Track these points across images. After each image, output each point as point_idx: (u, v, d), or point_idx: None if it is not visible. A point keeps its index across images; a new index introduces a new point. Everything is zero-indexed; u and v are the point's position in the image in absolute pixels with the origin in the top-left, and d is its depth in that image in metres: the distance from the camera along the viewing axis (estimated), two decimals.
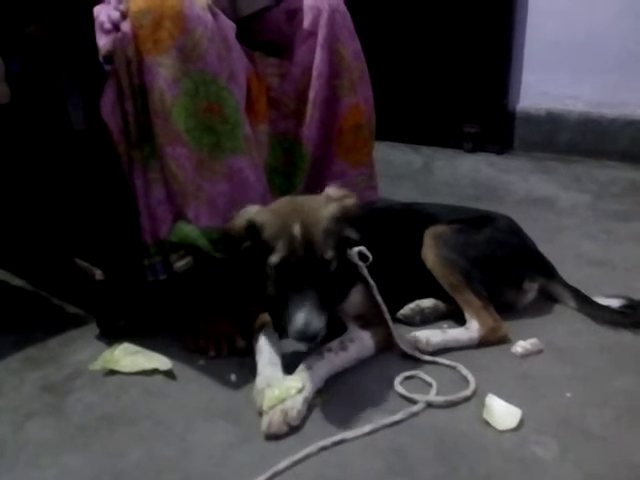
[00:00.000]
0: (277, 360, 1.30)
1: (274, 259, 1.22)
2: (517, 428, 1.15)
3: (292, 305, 1.19)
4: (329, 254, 1.23)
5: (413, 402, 1.22)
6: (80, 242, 1.64)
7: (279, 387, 1.20)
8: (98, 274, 1.61)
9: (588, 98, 2.89)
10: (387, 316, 1.36)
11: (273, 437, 1.14)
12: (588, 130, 2.89)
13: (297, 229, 1.20)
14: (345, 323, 1.38)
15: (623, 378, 1.29)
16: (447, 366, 1.33)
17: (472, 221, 1.55)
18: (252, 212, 1.29)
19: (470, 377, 1.28)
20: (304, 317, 1.16)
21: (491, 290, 1.45)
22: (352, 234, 1.30)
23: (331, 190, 1.34)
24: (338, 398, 1.24)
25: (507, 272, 1.49)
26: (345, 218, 1.28)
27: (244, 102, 1.45)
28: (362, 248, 1.32)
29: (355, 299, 1.38)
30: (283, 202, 1.32)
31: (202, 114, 1.34)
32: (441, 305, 1.52)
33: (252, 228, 1.26)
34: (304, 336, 1.17)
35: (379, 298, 1.35)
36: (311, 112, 1.64)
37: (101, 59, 1.30)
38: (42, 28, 1.40)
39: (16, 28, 1.40)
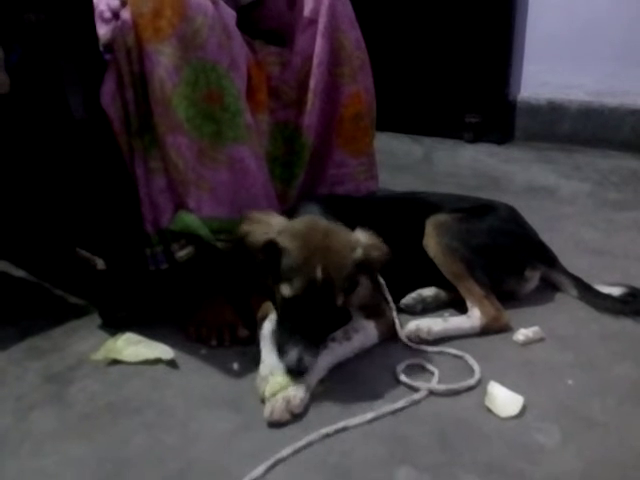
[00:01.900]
0: None
1: (286, 292, 1.20)
2: (519, 415, 1.15)
3: (290, 337, 1.20)
4: (340, 301, 1.22)
5: (415, 390, 1.23)
6: (81, 232, 1.64)
7: (282, 374, 1.20)
8: (100, 264, 1.61)
9: (589, 87, 2.88)
10: (395, 313, 1.36)
11: (276, 425, 1.14)
12: (589, 119, 2.89)
13: (320, 273, 1.18)
14: (350, 312, 1.38)
15: (624, 365, 1.30)
16: (454, 355, 1.33)
17: (474, 210, 1.55)
18: (275, 229, 1.24)
19: (476, 367, 1.28)
20: (297, 354, 1.17)
21: (493, 278, 1.45)
22: (364, 281, 1.30)
23: (362, 234, 1.28)
24: (341, 386, 1.24)
25: (509, 260, 1.49)
26: (365, 266, 1.26)
27: (245, 91, 1.45)
28: None
29: (361, 291, 1.37)
30: (311, 228, 1.25)
31: (202, 102, 1.34)
32: (443, 294, 1.52)
33: (272, 248, 1.22)
34: (294, 371, 1.18)
35: (389, 296, 1.36)
36: (312, 101, 1.64)
37: (101, 48, 1.30)
38: (42, 17, 1.40)
39: (16, 17, 1.40)
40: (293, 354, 1.17)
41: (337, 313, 1.25)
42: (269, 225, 1.26)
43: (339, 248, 1.23)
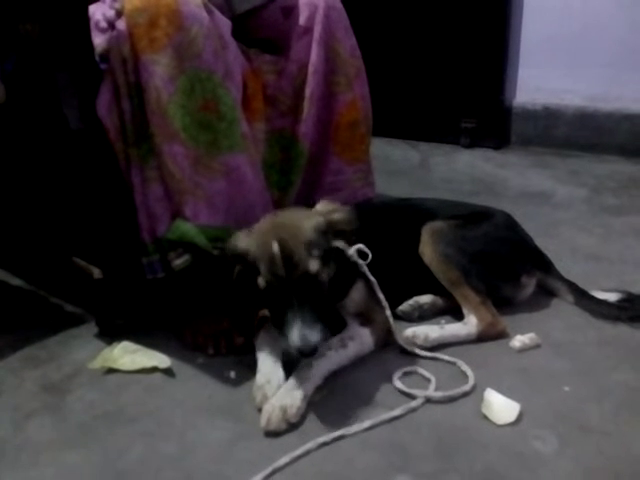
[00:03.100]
0: (277, 357, 1.30)
1: (260, 282, 1.22)
2: (516, 422, 1.16)
3: (286, 323, 1.19)
4: (313, 267, 1.20)
5: (412, 397, 1.23)
6: (78, 241, 1.64)
7: (278, 383, 1.21)
8: (96, 273, 1.61)
9: (584, 92, 2.89)
10: (388, 313, 1.36)
11: (273, 434, 1.15)
12: (584, 124, 2.90)
13: (276, 247, 1.18)
14: (345, 319, 1.38)
15: (621, 372, 1.30)
16: (447, 362, 1.33)
17: (470, 217, 1.55)
18: (238, 238, 1.27)
19: (470, 373, 1.28)
20: (298, 334, 1.15)
21: (489, 285, 1.45)
22: (342, 245, 1.27)
23: (320, 205, 1.31)
24: (337, 394, 1.25)
25: (505, 267, 1.50)
26: (332, 230, 1.26)
27: (240, 99, 1.45)
28: (361, 246, 1.32)
29: (355, 296, 1.38)
30: (265, 221, 1.29)
31: (198, 112, 1.34)
32: (439, 301, 1.52)
33: (238, 254, 1.25)
34: (302, 352, 1.16)
35: (381, 295, 1.35)
36: (307, 109, 1.64)
37: (97, 58, 1.30)
38: (37, 27, 1.40)
39: (11, 27, 1.40)
40: (294, 336, 1.15)
41: (320, 283, 1.22)
42: (234, 239, 1.28)
43: (292, 222, 1.24)
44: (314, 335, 1.16)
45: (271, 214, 1.32)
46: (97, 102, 1.31)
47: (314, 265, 1.20)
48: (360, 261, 1.32)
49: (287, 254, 1.18)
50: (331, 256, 1.26)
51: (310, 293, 1.20)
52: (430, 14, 2.94)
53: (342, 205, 1.31)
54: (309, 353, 1.16)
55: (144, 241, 1.38)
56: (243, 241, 1.26)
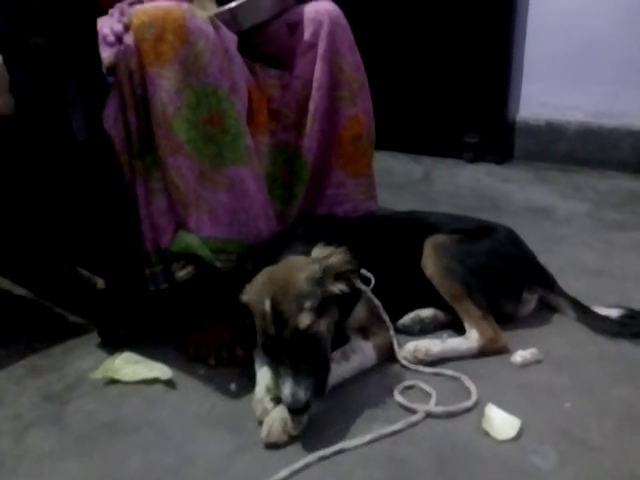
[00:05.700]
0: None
1: (259, 340, 1.22)
2: (516, 438, 1.15)
3: (279, 377, 1.18)
4: (303, 323, 1.16)
5: (413, 412, 1.22)
6: (82, 251, 1.65)
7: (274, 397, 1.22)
8: (100, 283, 1.62)
9: (587, 108, 2.90)
10: (392, 333, 1.37)
11: (272, 446, 1.15)
12: (587, 140, 2.90)
13: (267, 304, 1.17)
14: (347, 334, 1.39)
15: (622, 388, 1.29)
16: (451, 377, 1.33)
17: (472, 231, 1.56)
18: (245, 291, 1.26)
19: (473, 388, 1.27)
20: (289, 392, 1.13)
21: (490, 300, 1.45)
22: (341, 288, 1.25)
23: (315, 251, 1.28)
24: (338, 407, 1.25)
25: (507, 282, 1.50)
26: (329, 276, 1.23)
27: (245, 113, 1.46)
28: (363, 271, 1.32)
29: (358, 314, 1.37)
30: (264, 273, 1.25)
31: (203, 125, 1.36)
32: (440, 315, 1.52)
33: (244, 308, 1.25)
34: (292, 410, 1.14)
35: (385, 317, 1.36)
36: (311, 123, 1.66)
37: (104, 71, 1.32)
38: (46, 40, 1.42)
39: (20, 39, 1.42)
40: (285, 393, 1.14)
41: (313, 336, 1.19)
42: (243, 292, 1.27)
43: (286, 275, 1.21)
44: (304, 394, 1.13)
45: (269, 268, 1.27)
46: (103, 114, 1.32)
47: (305, 320, 1.17)
48: (363, 287, 1.32)
49: (277, 311, 1.16)
50: (330, 302, 1.24)
51: (302, 349, 1.17)
52: (434, 29, 2.96)
53: (337, 248, 1.28)
54: (298, 411, 1.14)
55: (147, 252, 1.39)
56: (246, 294, 1.25)
